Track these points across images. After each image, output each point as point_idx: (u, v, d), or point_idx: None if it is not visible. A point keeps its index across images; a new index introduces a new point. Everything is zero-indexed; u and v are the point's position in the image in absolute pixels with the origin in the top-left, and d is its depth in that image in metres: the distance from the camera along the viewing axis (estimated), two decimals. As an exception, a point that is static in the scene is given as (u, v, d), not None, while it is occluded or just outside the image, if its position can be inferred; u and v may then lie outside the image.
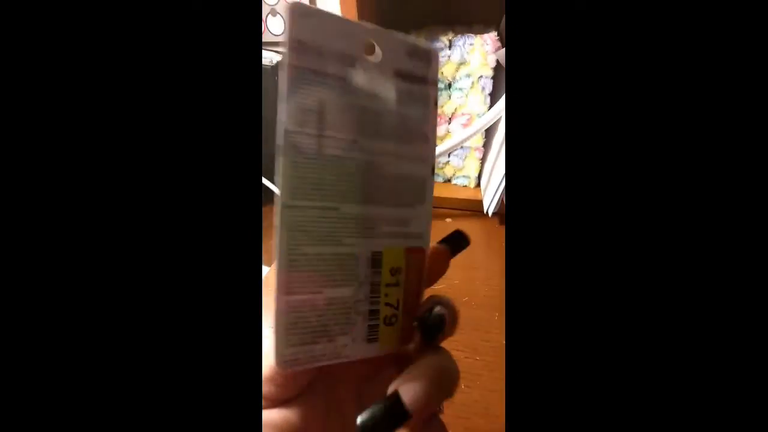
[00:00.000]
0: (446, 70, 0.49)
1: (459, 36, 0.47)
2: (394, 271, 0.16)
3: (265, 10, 0.64)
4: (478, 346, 0.31)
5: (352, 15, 0.46)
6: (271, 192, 0.47)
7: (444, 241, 0.18)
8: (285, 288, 0.13)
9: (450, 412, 0.27)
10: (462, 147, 0.52)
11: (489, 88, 0.48)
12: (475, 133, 0.48)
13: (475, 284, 0.40)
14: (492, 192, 0.48)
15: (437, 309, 0.17)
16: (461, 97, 0.50)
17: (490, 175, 0.49)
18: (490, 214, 0.50)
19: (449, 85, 0.50)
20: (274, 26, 0.72)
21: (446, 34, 0.47)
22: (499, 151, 0.48)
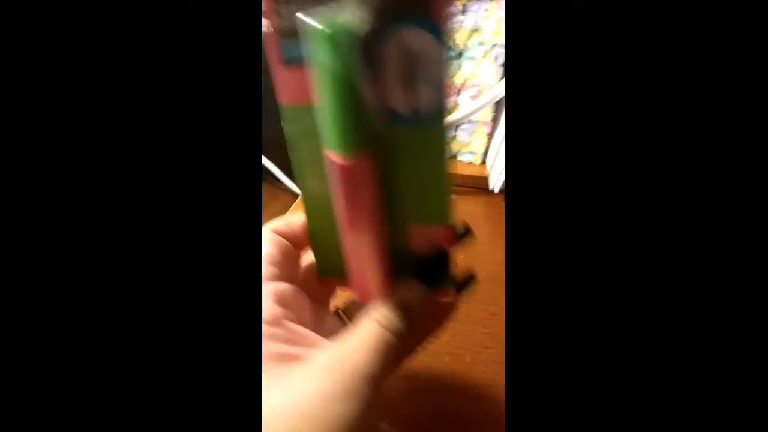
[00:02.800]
0: (458, 38, 0.47)
1: (473, 1, 0.45)
2: None
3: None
4: (484, 318, 0.30)
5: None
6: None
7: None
8: None
9: (455, 383, 0.26)
10: (470, 120, 0.51)
11: (502, 57, 0.46)
12: (484, 106, 0.46)
13: (480, 259, 0.39)
14: (499, 169, 0.47)
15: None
16: (473, 66, 0.48)
17: (498, 150, 0.48)
18: (496, 191, 0.48)
19: (460, 54, 0.48)
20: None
21: (460, -1, 0.45)
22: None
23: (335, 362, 0.15)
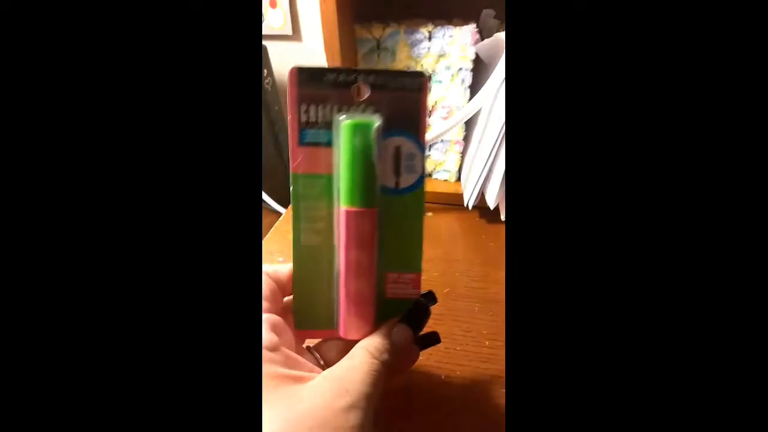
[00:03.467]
0: (426, 63, 0.49)
1: (438, 28, 0.47)
2: None
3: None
4: (459, 337, 0.31)
5: (331, 8, 0.45)
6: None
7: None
8: None
9: (430, 403, 0.27)
10: (442, 140, 0.52)
11: (468, 80, 0.48)
12: (454, 126, 0.48)
13: (455, 276, 0.40)
14: (472, 185, 0.48)
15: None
16: (441, 89, 0.49)
17: (470, 168, 0.49)
18: (470, 207, 0.50)
19: (429, 78, 0.50)
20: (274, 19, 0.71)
21: (426, 26, 0.47)
22: (478, 144, 0.48)
23: (338, 382, 0.18)
